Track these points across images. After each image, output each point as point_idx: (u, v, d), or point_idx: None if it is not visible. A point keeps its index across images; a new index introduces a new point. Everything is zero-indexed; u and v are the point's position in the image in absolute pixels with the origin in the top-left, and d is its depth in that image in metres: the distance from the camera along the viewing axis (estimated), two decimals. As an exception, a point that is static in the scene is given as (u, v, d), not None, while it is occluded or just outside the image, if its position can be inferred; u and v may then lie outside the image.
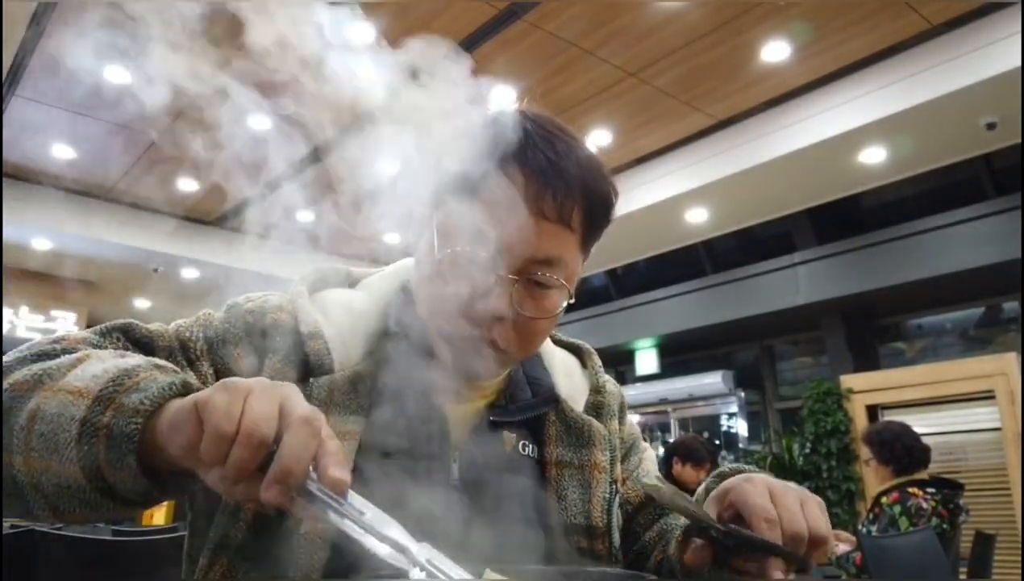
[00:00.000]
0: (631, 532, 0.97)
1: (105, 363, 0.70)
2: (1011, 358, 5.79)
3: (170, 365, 0.72)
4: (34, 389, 0.69)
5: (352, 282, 0.98)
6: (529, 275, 0.83)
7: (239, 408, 0.56)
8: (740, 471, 0.84)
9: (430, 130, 0.82)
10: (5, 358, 0.74)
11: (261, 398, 0.57)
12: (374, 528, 0.58)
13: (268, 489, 0.55)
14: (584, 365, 1.06)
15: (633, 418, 1.09)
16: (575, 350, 1.08)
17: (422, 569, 0.57)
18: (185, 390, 0.65)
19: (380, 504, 0.60)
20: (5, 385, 0.70)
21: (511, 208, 0.80)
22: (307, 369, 0.83)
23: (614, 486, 0.94)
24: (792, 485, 0.75)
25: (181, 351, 0.84)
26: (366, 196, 0.81)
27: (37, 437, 0.65)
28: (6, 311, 8.39)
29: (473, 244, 0.80)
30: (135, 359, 0.71)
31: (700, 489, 0.88)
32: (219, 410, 0.56)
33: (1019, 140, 5.22)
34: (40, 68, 5.06)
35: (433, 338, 0.86)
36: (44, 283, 8.50)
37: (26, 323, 8.50)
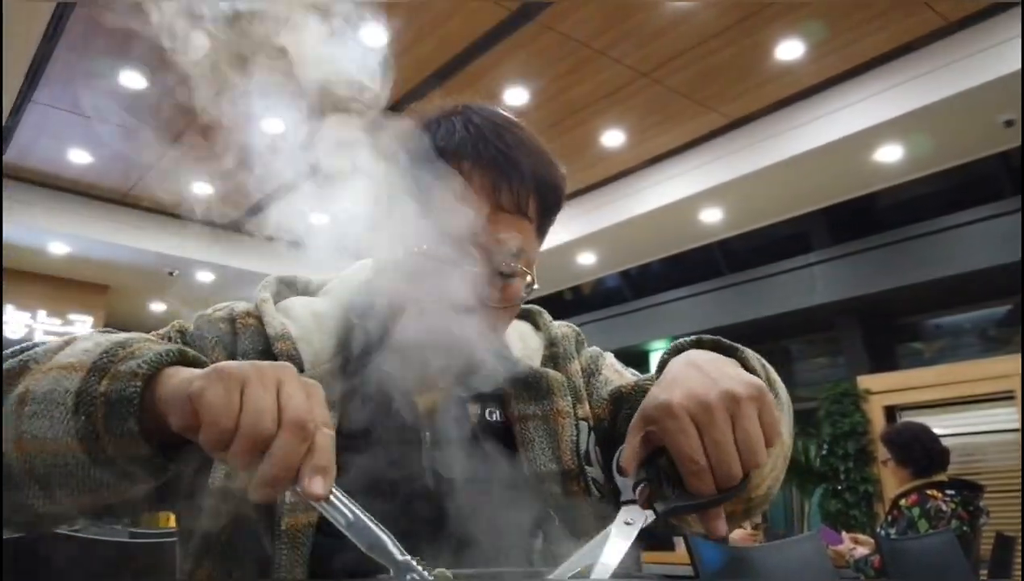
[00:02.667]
0: (616, 441, 0.97)
1: (95, 338, 0.70)
2: (1032, 358, 5.72)
3: (160, 340, 0.74)
4: (21, 375, 0.68)
5: (312, 290, 1.02)
6: (493, 267, 0.85)
7: (237, 401, 0.56)
8: (678, 350, 0.82)
9: (384, 131, 0.84)
10: None
11: (258, 389, 0.57)
12: (359, 534, 0.59)
13: (257, 490, 0.56)
14: (537, 326, 1.08)
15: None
16: (525, 315, 1.10)
17: None
18: (181, 357, 0.66)
19: (359, 491, 0.62)
20: None
21: (470, 202, 0.83)
22: None
23: (584, 424, 0.95)
24: (719, 381, 0.69)
25: None
26: (347, 198, 0.83)
27: (28, 418, 0.64)
28: (23, 315, 8.48)
29: (436, 242, 0.83)
30: (125, 334, 0.71)
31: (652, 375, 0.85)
32: (217, 405, 0.56)
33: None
34: (56, 73, 5.11)
35: (399, 333, 0.88)
36: (61, 287, 8.59)
37: (44, 327, 8.57)
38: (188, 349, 0.68)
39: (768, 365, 0.90)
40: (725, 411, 0.68)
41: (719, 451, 0.67)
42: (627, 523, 0.68)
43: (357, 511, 0.59)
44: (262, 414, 0.56)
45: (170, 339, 0.88)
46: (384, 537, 0.59)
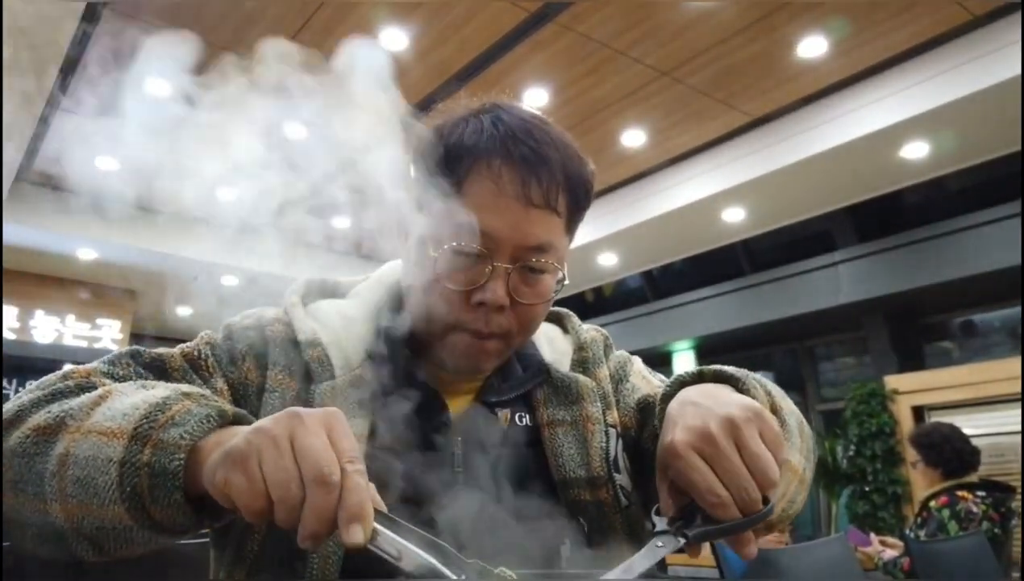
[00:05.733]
0: (643, 453, 0.97)
1: (131, 398, 0.70)
2: (1064, 356, 5.60)
3: (197, 390, 0.74)
4: (58, 431, 0.69)
5: (341, 292, 1.02)
6: (523, 263, 0.85)
7: (260, 479, 0.58)
8: (682, 383, 0.83)
9: (411, 130, 0.84)
10: (18, 400, 0.74)
11: (275, 458, 0.58)
12: (410, 564, 0.59)
13: (303, 542, 0.58)
14: (565, 330, 1.08)
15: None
16: (554, 318, 1.10)
17: None
18: (221, 419, 0.67)
19: (392, 497, 0.61)
20: (25, 429, 0.70)
21: (501, 199, 0.83)
22: (308, 376, 0.87)
23: (612, 431, 0.95)
24: (715, 410, 0.71)
25: (193, 371, 0.86)
26: (374, 199, 0.83)
27: (72, 483, 0.65)
28: (53, 320, 8.62)
29: (467, 239, 0.83)
30: (160, 390, 0.72)
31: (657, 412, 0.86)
32: (244, 491, 0.58)
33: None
34: (84, 81, 5.19)
35: (431, 335, 0.89)
36: (89, 292, 8.72)
37: (73, 331, 8.71)
38: (227, 406, 0.69)
39: (775, 390, 0.89)
40: (728, 438, 0.69)
41: (734, 480, 0.68)
42: (658, 546, 0.69)
43: (403, 541, 0.60)
44: (287, 484, 0.57)
45: (198, 356, 0.88)
46: (435, 562, 0.59)
